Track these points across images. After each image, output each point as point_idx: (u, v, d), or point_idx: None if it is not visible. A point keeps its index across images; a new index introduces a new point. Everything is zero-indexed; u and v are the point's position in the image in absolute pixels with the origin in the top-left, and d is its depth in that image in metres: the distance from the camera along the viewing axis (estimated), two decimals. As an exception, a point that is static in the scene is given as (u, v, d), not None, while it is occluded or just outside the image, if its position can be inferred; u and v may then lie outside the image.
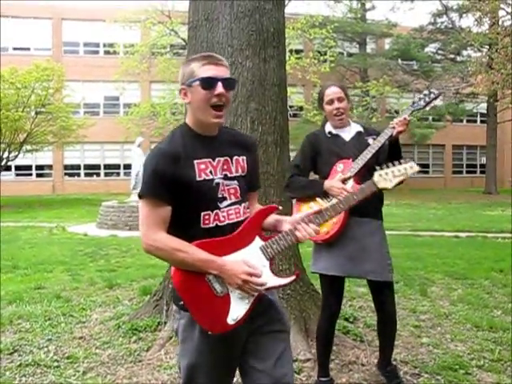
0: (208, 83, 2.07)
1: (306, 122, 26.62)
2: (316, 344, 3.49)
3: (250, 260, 2.05)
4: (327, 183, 3.18)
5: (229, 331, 2.04)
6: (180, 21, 25.05)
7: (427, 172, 36.40)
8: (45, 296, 5.83)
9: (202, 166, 2.08)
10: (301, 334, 3.99)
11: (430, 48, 31.95)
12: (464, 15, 27.61)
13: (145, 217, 2.05)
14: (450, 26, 29.48)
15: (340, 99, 3.31)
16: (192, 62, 2.13)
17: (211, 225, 2.08)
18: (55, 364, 3.80)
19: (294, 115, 28.03)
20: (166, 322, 4.19)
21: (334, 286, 3.32)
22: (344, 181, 3.15)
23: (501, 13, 16.87)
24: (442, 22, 30.34)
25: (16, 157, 23.03)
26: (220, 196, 2.11)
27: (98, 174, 31.99)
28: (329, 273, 3.25)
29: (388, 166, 2.37)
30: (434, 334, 4.58)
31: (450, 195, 26.76)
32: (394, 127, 3.15)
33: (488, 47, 22.39)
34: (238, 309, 2.05)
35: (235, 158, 2.19)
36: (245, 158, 2.23)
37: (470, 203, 22.41)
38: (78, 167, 31.77)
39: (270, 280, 2.09)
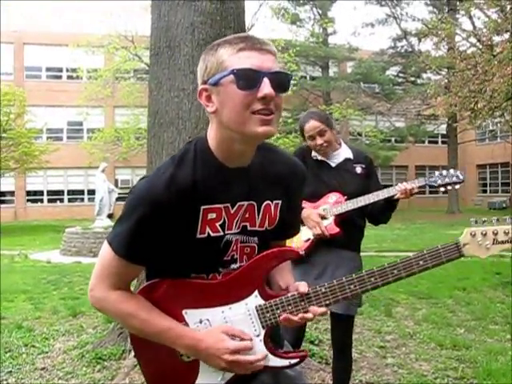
0: (248, 79, 1.34)
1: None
2: None
3: (237, 325, 1.48)
4: (305, 212, 2.98)
5: None
6: (144, 46, 25.00)
7: (396, 207, 36.88)
8: (5, 326, 5.67)
9: (212, 216, 1.45)
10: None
11: (391, 71, 32.82)
12: (422, 39, 28.43)
13: (103, 267, 1.51)
14: (410, 49, 30.39)
15: (321, 133, 3.07)
16: (221, 47, 1.39)
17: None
18: (16, 398, 3.71)
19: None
20: (130, 350, 4.12)
21: None
22: (323, 216, 3.02)
23: (458, 38, 17.50)
24: (402, 46, 31.31)
25: (-23, 183, 22.56)
26: (227, 259, 1.51)
27: (61, 200, 31.49)
28: None
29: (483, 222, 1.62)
30: (399, 354, 4.63)
31: (414, 215, 27.18)
32: (398, 190, 3.04)
33: (446, 70, 23.14)
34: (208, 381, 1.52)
35: (266, 203, 1.54)
36: (280, 202, 1.58)
37: (434, 223, 22.83)
38: (41, 193, 31.23)
39: (271, 360, 1.49)
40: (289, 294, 1.50)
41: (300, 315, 1.47)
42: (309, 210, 3.02)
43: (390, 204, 3.10)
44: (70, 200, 31.53)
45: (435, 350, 4.77)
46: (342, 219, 3.03)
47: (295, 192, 1.62)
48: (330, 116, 3.38)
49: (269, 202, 1.53)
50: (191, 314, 1.50)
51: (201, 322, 1.50)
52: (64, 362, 4.34)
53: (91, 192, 27.79)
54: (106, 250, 1.49)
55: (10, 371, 4.23)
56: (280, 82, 1.38)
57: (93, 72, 27.10)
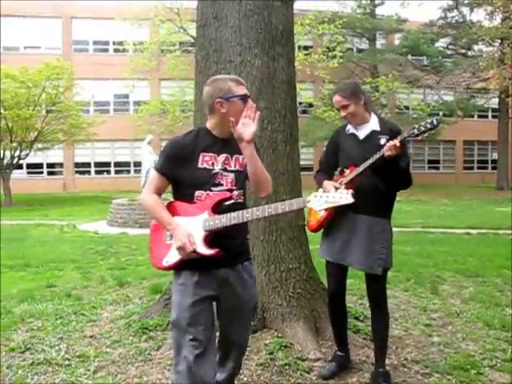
0: (245, 99, 2.64)
1: (316, 119, 26.54)
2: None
3: (193, 226, 2.61)
4: (325, 185, 3.35)
5: (204, 285, 2.65)
6: (189, 18, 25.00)
7: (438, 168, 36.19)
8: (56, 294, 5.87)
9: (206, 158, 2.68)
10: (310, 332, 3.98)
11: (441, 43, 31.63)
12: (475, 9, 27.31)
13: (150, 181, 2.82)
14: (461, 20, 29.23)
15: (344, 107, 3.41)
16: (227, 81, 2.69)
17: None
18: (66, 363, 3.82)
19: (304, 112, 27.96)
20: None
21: (330, 270, 3.55)
22: (337, 188, 3.24)
23: (512, 7, 16.68)
24: (453, 17, 30.04)
25: (27, 155, 23.11)
26: (216, 182, 2.66)
27: (108, 172, 32.12)
28: (325, 258, 3.54)
29: (329, 191, 2.65)
30: (445, 333, 4.55)
31: (462, 191, 26.57)
32: (384, 149, 3.20)
33: (500, 41, 22.20)
34: (171, 256, 2.66)
35: (235, 155, 2.72)
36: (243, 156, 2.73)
37: (482, 199, 22.24)
38: (88, 165, 31.91)
39: (199, 247, 2.58)
40: (225, 215, 2.59)
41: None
42: (325, 182, 3.38)
43: (388, 164, 3.23)
44: (116, 172, 32.09)
45: (483, 329, 4.66)
46: (355, 186, 3.19)
47: None
48: (359, 88, 3.51)
49: (237, 155, 2.70)
50: (176, 220, 2.65)
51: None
52: (111, 331, 4.45)
53: (137, 164, 28.30)
54: (151, 172, 2.92)
55: (61, 337, 4.36)
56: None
57: (139, 45, 27.28)
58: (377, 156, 3.23)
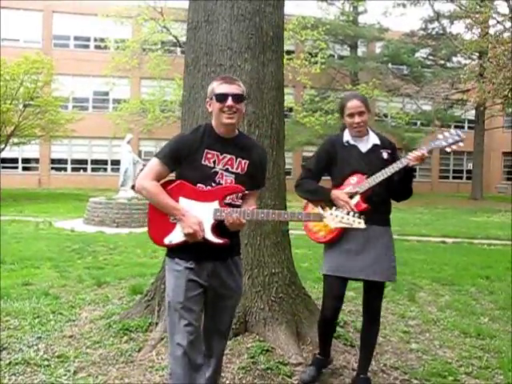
0: (221, 97, 2.73)
1: (296, 124, 26.67)
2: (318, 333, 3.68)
3: (202, 213, 2.68)
4: (334, 193, 3.31)
5: (197, 272, 2.75)
6: (172, 18, 24.98)
7: (414, 176, 36.36)
8: (33, 293, 5.77)
9: (209, 156, 2.76)
10: (292, 337, 4.00)
11: (421, 53, 32.10)
12: (455, 22, 27.78)
13: (149, 168, 2.79)
14: (441, 32, 29.69)
15: (361, 113, 3.36)
16: (214, 82, 2.84)
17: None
18: (45, 363, 3.76)
19: (284, 116, 28.00)
20: (157, 323, 4.17)
21: (332, 288, 3.41)
22: (351, 195, 3.27)
23: (491, 21, 17.00)
24: (433, 28, 30.54)
25: (3, 149, 22.76)
26: (216, 181, 2.75)
27: (84, 169, 31.78)
28: (333, 274, 3.38)
29: (342, 211, 2.72)
30: (423, 340, 4.63)
31: (437, 200, 26.96)
32: (410, 159, 3.23)
33: (478, 55, 22.60)
34: (175, 236, 2.74)
35: (239, 159, 2.81)
36: (247, 162, 2.84)
37: (456, 208, 22.59)
38: (65, 161, 31.53)
39: (208, 235, 2.69)
40: (233, 209, 2.69)
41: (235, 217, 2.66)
42: (337, 192, 3.32)
43: (408, 173, 3.32)
44: (93, 169, 31.78)
45: (459, 337, 4.75)
46: (367, 196, 3.29)
47: (255, 158, 2.87)
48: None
49: (241, 159, 2.80)
50: (182, 200, 2.74)
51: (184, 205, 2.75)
52: (91, 331, 4.39)
53: (115, 162, 28.11)
54: (152, 160, 2.82)
55: (40, 337, 4.29)
56: (238, 98, 2.75)
57: (120, 42, 27.08)
58: (400, 166, 3.24)
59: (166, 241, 2.76)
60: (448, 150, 3.34)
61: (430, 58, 32.43)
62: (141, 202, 14.32)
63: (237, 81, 2.82)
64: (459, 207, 23.31)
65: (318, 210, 2.76)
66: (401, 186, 3.40)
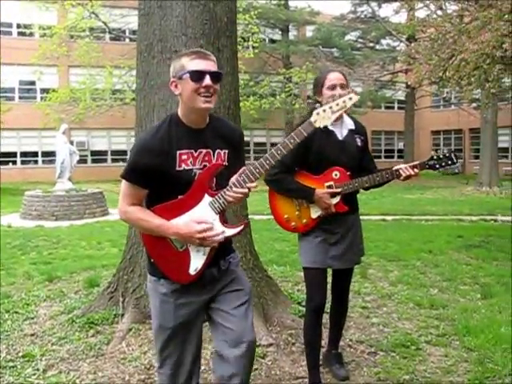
0: (197, 76, 2.23)
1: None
2: (304, 343, 3.45)
3: (202, 216, 2.28)
4: (317, 194, 3.15)
5: (189, 291, 2.37)
6: (100, 3, 24.22)
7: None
8: (-19, 293, 5.57)
9: (184, 157, 2.30)
10: (260, 319, 4.07)
11: (351, 36, 32.75)
12: (383, 5, 28.46)
13: (122, 192, 2.36)
14: (370, 15, 30.33)
15: (343, 86, 3.14)
16: (182, 57, 2.30)
17: None
18: (10, 364, 3.66)
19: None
20: (123, 314, 4.13)
21: (317, 280, 3.30)
22: (332, 195, 3.18)
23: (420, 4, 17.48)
24: (362, 11, 31.15)
25: None
26: None
27: (14, 162, 30.49)
28: (315, 266, 3.28)
29: (326, 104, 2.31)
30: (382, 314, 4.82)
31: (371, 179, 27.63)
32: (399, 173, 3.17)
33: (406, 37, 23.27)
34: (196, 261, 2.34)
35: (217, 151, 2.38)
36: (227, 151, 2.43)
37: (391, 187, 22.97)
38: (-8, 155, 30.15)
39: (226, 231, 2.33)
40: (223, 190, 2.28)
41: (236, 190, 2.25)
42: (319, 193, 3.15)
43: (392, 178, 3.27)
44: (22, 162, 30.54)
45: (414, 309, 4.98)
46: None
47: (236, 145, 2.47)
48: None
49: (219, 150, 2.37)
50: (173, 220, 2.29)
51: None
52: (54, 328, 4.30)
53: (45, 154, 27.17)
54: (122, 182, 2.34)
55: (-1, 337, 4.17)
56: (216, 77, 2.27)
57: (47, 29, 25.99)
58: (389, 178, 3.20)
59: (192, 271, 2.35)
60: (440, 170, 3.40)
61: (360, 40, 33.13)
62: (80, 194, 14.00)
63: (211, 55, 2.32)
64: (393, 185, 23.70)
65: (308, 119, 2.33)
66: (378, 185, 3.31)
